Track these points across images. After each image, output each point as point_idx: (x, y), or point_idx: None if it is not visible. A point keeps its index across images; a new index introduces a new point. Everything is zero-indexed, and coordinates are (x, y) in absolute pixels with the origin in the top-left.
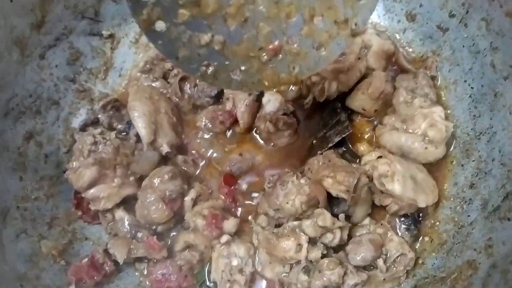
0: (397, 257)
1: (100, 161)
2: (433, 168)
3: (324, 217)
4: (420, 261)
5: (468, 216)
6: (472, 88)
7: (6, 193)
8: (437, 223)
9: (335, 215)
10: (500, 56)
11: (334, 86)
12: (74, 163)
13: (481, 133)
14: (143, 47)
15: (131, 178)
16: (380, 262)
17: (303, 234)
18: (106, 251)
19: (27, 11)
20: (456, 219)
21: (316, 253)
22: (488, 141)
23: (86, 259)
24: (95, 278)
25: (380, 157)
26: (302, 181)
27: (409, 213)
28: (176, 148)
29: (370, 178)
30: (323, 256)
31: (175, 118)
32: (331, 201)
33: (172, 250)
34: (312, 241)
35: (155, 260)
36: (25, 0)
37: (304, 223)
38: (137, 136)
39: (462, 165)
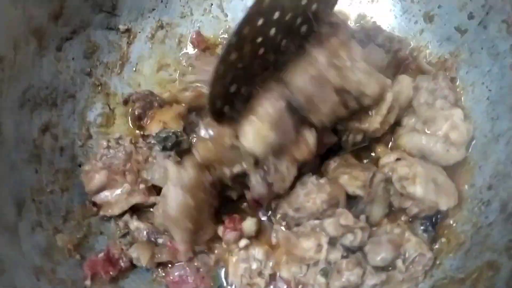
0: (415, 257)
1: (109, 166)
2: (450, 169)
3: (346, 216)
4: (437, 262)
5: (486, 217)
6: (490, 90)
7: (22, 185)
8: (455, 224)
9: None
10: None
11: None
12: (87, 166)
13: (499, 135)
14: (159, 43)
15: (141, 186)
16: (399, 262)
17: (323, 233)
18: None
19: (46, 1)
20: (474, 220)
21: (336, 254)
22: (506, 143)
23: (102, 254)
24: (111, 273)
25: (398, 159)
26: (322, 181)
27: (428, 214)
28: None
29: (389, 180)
30: (342, 258)
31: None
32: (349, 203)
33: None
34: (332, 243)
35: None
36: None
37: (326, 222)
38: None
39: (480, 167)
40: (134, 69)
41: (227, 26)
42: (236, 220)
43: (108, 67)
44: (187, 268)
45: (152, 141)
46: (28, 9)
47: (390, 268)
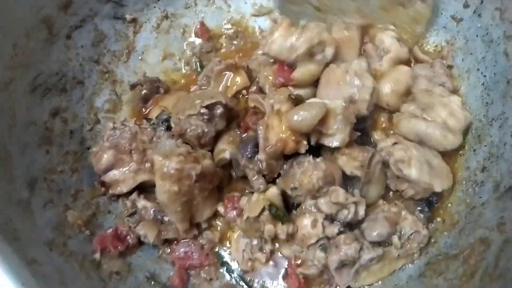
0: (411, 234)
1: (116, 145)
2: (445, 153)
3: (337, 194)
4: (432, 240)
5: (480, 197)
6: (484, 76)
7: (34, 164)
8: (449, 204)
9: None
10: None
11: None
12: (95, 147)
13: (493, 119)
14: (164, 33)
15: (147, 165)
16: (395, 238)
17: (319, 212)
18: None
19: None
20: (468, 201)
21: (332, 229)
22: (500, 127)
23: (110, 230)
24: (119, 248)
25: (395, 143)
26: (318, 160)
27: (423, 196)
28: None
29: (386, 164)
30: (340, 233)
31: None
32: (346, 183)
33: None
34: (330, 219)
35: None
36: None
37: (319, 201)
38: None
39: (474, 150)
40: (140, 57)
41: (230, 17)
42: (235, 199)
43: (115, 55)
44: (192, 245)
45: (156, 122)
46: None
47: (386, 244)
